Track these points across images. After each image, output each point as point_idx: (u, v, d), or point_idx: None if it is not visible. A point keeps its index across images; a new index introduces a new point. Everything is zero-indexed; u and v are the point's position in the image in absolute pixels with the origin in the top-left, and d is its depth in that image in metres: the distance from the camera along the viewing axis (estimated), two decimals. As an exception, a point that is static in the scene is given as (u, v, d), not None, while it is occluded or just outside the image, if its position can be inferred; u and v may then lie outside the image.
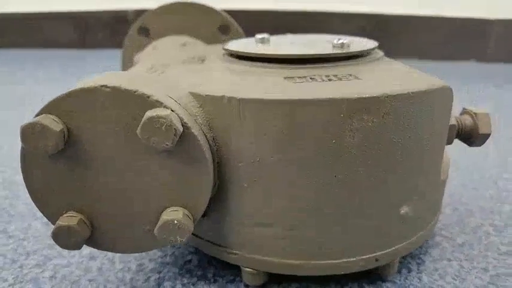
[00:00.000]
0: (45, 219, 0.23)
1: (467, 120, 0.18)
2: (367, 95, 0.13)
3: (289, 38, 0.23)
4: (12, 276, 0.19)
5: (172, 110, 0.13)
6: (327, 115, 0.13)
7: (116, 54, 0.35)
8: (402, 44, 0.75)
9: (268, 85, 0.15)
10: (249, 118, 0.14)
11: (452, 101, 0.16)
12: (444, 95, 0.15)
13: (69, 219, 0.14)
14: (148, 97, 0.13)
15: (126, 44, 0.33)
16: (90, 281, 0.18)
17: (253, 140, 0.14)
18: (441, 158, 0.17)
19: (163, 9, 0.31)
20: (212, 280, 0.18)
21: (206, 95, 0.14)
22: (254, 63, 0.17)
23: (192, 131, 0.13)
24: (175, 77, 0.17)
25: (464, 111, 0.19)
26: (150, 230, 0.15)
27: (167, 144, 0.12)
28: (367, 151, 0.14)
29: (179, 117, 0.13)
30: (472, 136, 0.18)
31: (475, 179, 0.28)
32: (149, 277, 0.19)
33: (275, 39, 0.22)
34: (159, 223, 0.14)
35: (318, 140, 0.13)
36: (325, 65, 0.17)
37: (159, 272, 0.19)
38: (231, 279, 0.18)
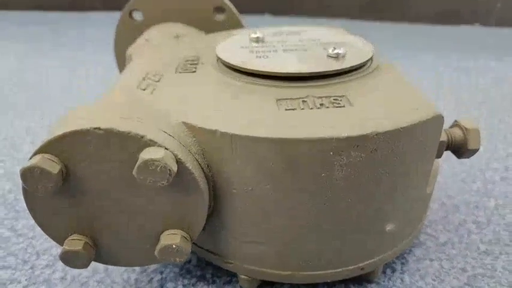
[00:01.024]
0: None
1: (458, 134, 0.18)
2: (356, 134, 0.13)
3: (283, 36, 0.22)
4: (25, 278, 0.20)
5: (166, 148, 0.13)
6: (316, 153, 0.14)
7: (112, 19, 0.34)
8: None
9: (260, 115, 0.15)
10: (241, 151, 0.14)
11: (442, 126, 0.16)
12: (435, 124, 0.15)
13: (75, 243, 0.15)
14: (142, 137, 0.13)
15: (119, 28, 0.32)
16: (98, 282, 0.20)
17: (245, 171, 0.14)
18: (429, 175, 0.17)
19: None
20: (211, 281, 0.20)
21: (199, 127, 0.14)
22: (247, 78, 0.17)
23: (187, 165, 0.14)
24: (168, 98, 0.17)
25: (455, 124, 0.19)
26: (151, 248, 0.16)
27: (163, 183, 0.13)
28: (355, 182, 0.14)
29: (173, 154, 0.13)
30: (460, 150, 0.18)
31: (464, 169, 0.29)
32: (152, 278, 0.20)
33: (270, 38, 0.22)
34: (159, 247, 0.15)
35: (307, 174, 0.14)
36: (318, 83, 0.17)
37: (161, 273, 0.20)
38: (228, 280, 0.20)
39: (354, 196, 0.15)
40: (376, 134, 0.13)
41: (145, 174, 0.13)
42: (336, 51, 0.18)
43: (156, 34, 0.26)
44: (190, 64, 0.21)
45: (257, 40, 0.22)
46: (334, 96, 0.16)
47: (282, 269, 0.17)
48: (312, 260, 0.17)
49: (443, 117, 0.16)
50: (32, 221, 0.24)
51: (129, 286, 0.20)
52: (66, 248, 0.15)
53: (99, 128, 0.13)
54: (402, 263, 0.21)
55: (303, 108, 0.15)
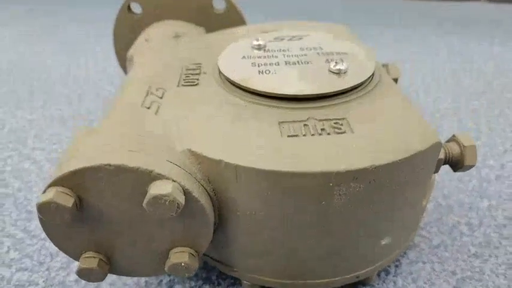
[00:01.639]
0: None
1: (455, 150, 0.19)
2: (355, 168, 0.14)
3: (285, 43, 0.22)
4: (43, 280, 0.22)
5: (173, 180, 0.14)
6: (316, 184, 0.14)
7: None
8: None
9: (264, 144, 0.15)
10: (245, 180, 0.15)
11: (440, 150, 0.17)
12: (434, 150, 0.16)
13: (90, 261, 0.16)
14: (150, 172, 0.14)
15: (117, 22, 0.31)
16: (110, 284, 0.21)
17: (248, 198, 0.15)
18: (425, 193, 0.18)
19: None
20: (216, 283, 0.21)
21: (204, 156, 0.15)
22: (250, 96, 0.18)
23: (194, 194, 0.14)
24: (172, 121, 0.17)
25: (453, 139, 0.19)
26: (161, 263, 0.17)
27: (171, 215, 0.14)
28: (353, 208, 0.15)
29: (180, 185, 0.14)
30: (457, 165, 0.19)
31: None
32: (161, 280, 0.21)
33: (271, 45, 0.22)
34: (168, 264, 0.16)
35: (307, 202, 0.15)
36: (320, 103, 0.17)
37: (170, 275, 0.22)
38: (232, 282, 0.21)
39: (352, 220, 0.16)
40: (374, 168, 0.14)
41: (155, 208, 0.13)
42: (337, 66, 0.18)
43: (156, 34, 0.26)
44: (192, 74, 0.21)
45: (259, 47, 0.22)
46: (335, 119, 0.16)
47: (281, 278, 0.18)
48: (310, 272, 0.18)
49: (441, 143, 0.16)
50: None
51: (139, 288, 0.21)
52: (82, 266, 0.16)
53: (109, 165, 0.13)
54: (396, 266, 0.22)
55: (304, 135, 0.16)
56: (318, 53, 0.21)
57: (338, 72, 0.18)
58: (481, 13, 0.67)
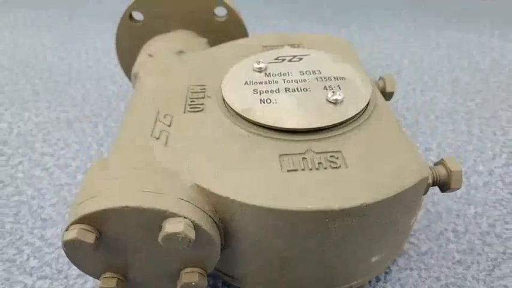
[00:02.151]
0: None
1: (442, 173, 0.20)
2: (348, 206, 0.15)
3: (285, 65, 0.23)
4: (64, 286, 0.24)
5: (185, 217, 0.15)
6: (313, 219, 0.16)
7: None
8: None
9: (266, 180, 0.16)
10: (248, 213, 0.16)
11: (428, 181, 0.18)
12: (423, 183, 0.17)
13: (109, 281, 0.18)
14: (164, 211, 0.15)
15: (120, 30, 0.32)
16: (124, 291, 0.23)
17: (250, 227, 0.17)
18: (414, 216, 0.20)
19: None
20: (221, 290, 0.23)
21: (211, 192, 0.16)
22: (252, 127, 0.19)
23: (203, 227, 0.16)
24: (181, 155, 0.18)
25: (441, 163, 0.20)
26: (173, 281, 0.19)
27: (183, 248, 0.15)
28: (347, 238, 0.17)
29: (191, 220, 0.16)
30: (444, 187, 0.20)
31: (452, 171, 0.31)
32: None
33: (272, 68, 0.23)
34: (180, 284, 0.18)
35: (305, 233, 0.16)
36: (317, 136, 0.18)
37: None
38: (236, 289, 0.23)
39: (345, 246, 0.17)
40: (366, 205, 0.15)
41: (169, 243, 0.15)
42: (334, 97, 0.20)
43: (159, 49, 0.27)
44: (197, 98, 0.22)
45: (260, 70, 0.23)
46: (331, 151, 0.18)
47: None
48: (306, 286, 0.20)
49: (428, 177, 0.18)
50: (59, 230, 0.27)
51: (151, 295, 0.23)
52: (102, 285, 0.18)
53: (127, 207, 0.15)
54: (386, 273, 0.24)
55: (303, 169, 0.17)
56: (316, 78, 0.22)
57: (335, 103, 0.19)
58: (482, 5, 0.66)
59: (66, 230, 0.15)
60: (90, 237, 0.15)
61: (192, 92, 0.22)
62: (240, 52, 0.26)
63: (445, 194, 0.29)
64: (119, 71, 0.46)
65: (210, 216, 0.17)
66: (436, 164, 0.21)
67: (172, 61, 0.26)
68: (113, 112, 0.39)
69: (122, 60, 0.34)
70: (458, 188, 0.20)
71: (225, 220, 0.17)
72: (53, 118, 0.39)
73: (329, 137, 0.18)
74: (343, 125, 0.19)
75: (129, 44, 0.32)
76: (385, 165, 0.17)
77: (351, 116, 0.19)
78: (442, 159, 0.21)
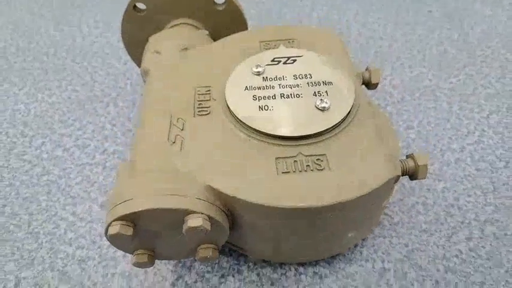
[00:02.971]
0: (100, 202, 0.32)
1: (411, 166, 0.24)
2: (330, 203, 0.19)
3: (280, 67, 0.26)
4: (97, 255, 0.29)
5: (202, 213, 0.20)
6: (302, 213, 0.20)
7: None
8: None
9: (264, 180, 0.20)
10: (249, 207, 0.20)
11: (398, 178, 0.22)
12: (394, 180, 0.21)
13: (141, 256, 0.22)
14: (186, 210, 0.19)
15: (124, 21, 0.34)
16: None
17: (251, 216, 0.21)
18: (387, 200, 0.24)
19: None
20: (229, 254, 0.28)
21: (221, 192, 0.20)
22: (252, 132, 0.22)
23: (216, 219, 0.20)
24: (195, 159, 0.22)
25: (411, 156, 0.24)
26: (192, 253, 0.23)
27: (201, 235, 0.20)
28: (330, 225, 0.21)
29: (207, 215, 0.20)
30: (411, 177, 0.24)
31: (429, 149, 0.35)
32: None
33: (269, 71, 0.26)
34: (197, 257, 0.23)
35: (295, 223, 0.21)
36: (307, 141, 0.22)
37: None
38: (241, 254, 0.28)
39: (328, 230, 0.22)
40: (346, 201, 0.20)
41: (190, 234, 0.19)
42: (322, 104, 0.23)
43: (165, 46, 0.29)
44: (204, 101, 0.25)
45: (258, 74, 0.25)
46: (317, 155, 0.21)
47: (276, 258, 0.25)
48: (296, 255, 0.25)
49: (399, 176, 0.22)
50: (87, 206, 0.32)
51: (173, 262, 0.28)
52: (136, 260, 0.22)
53: (158, 208, 0.19)
54: (363, 239, 0.29)
55: (294, 171, 0.21)
56: (307, 83, 0.25)
57: (322, 110, 0.23)
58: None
59: (109, 225, 0.20)
60: (128, 231, 0.19)
61: (199, 94, 0.25)
62: (240, 49, 0.28)
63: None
64: (121, 46, 0.48)
65: (220, 209, 0.21)
66: (407, 157, 0.25)
67: (178, 59, 0.28)
68: (121, 91, 0.42)
69: (130, 49, 0.36)
70: (424, 178, 0.25)
71: (231, 210, 0.21)
72: (65, 98, 0.41)
73: (316, 142, 0.22)
74: (328, 130, 0.22)
75: (135, 34, 0.34)
76: (361, 167, 0.21)
77: (335, 123, 0.22)
78: (412, 154, 0.25)
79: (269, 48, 0.29)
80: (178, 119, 0.24)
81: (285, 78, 0.25)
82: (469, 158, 0.34)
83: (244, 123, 0.23)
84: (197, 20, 0.34)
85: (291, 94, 0.24)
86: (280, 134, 0.22)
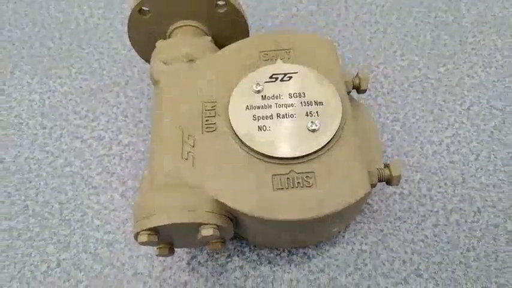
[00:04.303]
0: (121, 191, 0.37)
1: (386, 174, 0.28)
2: (315, 216, 0.24)
3: (278, 85, 0.29)
4: (123, 239, 0.34)
5: (212, 223, 0.24)
6: (292, 224, 0.25)
7: None
8: None
9: (262, 195, 0.25)
10: (249, 218, 0.25)
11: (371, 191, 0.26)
12: (368, 194, 0.26)
13: (163, 250, 0.27)
14: (200, 224, 0.24)
15: (130, 23, 0.35)
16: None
17: (251, 221, 0.26)
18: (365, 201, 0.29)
19: None
20: (236, 239, 0.34)
21: (226, 205, 0.25)
22: (252, 151, 0.26)
23: (223, 226, 0.25)
24: (205, 174, 0.26)
25: (387, 166, 0.28)
26: (203, 245, 0.29)
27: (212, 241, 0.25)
28: (316, 228, 0.26)
29: (216, 225, 0.25)
30: (386, 183, 0.29)
31: (410, 142, 0.39)
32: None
33: (268, 89, 0.29)
34: (209, 248, 0.28)
35: (287, 228, 0.26)
36: (298, 160, 0.26)
37: (202, 234, 0.34)
38: (245, 241, 0.34)
39: (316, 231, 0.27)
40: (326, 215, 0.24)
41: (203, 241, 0.24)
42: (313, 127, 0.26)
43: (172, 57, 0.31)
44: (210, 117, 0.28)
45: (258, 92, 0.29)
46: (307, 172, 0.26)
47: (271, 245, 0.31)
48: (288, 244, 0.30)
49: (376, 184, 0.26)
50: (109, 195, 0.37)
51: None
52: (159, 252, 0.28)
53: (174, 224, 0.24)
54: (346, 226, 0.34)
55: (287, 188, 0.25)
56: (301, 103, 0.28)
57: (313, 131, 0.26)
58: None
59: (138, 233, 0.24)
60: (154, 238, 0.24)
61: (206, 110, 0.29)
62: (241, 62, 0.31)
63: (401, 161, 0.38)
64: (124, 30, 0.49)
65: (226, 216, 0.26)
66: (385, 166, 0.29)
67: (185, 72, 0.31)
68: (129, 80, 0.44)
69: (139, 52, 0.38)
70: (397, 185, 0.29)
71: (235, 215, 0.26)
72: (76, 87, 0.44)
73: (306, 160, 0.26)
74: (317, 150, 0.26)
75: (141, 37, 0.36)
76: (342, 184, 0.25)
77: (323, 145, 0.26)
78: (389, 164, 0.29)
79: (268, 59, 0.31)
80: (189, 136, 0.28)
81: (281, 97, 0.28)
82: (446, 150, 0.39)
83: (245, 144, 0.26)
84: (200, 22, 0.36)
85: (285, 114, 0.27)
86: (276, 155, 0.26)
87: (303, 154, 0.26)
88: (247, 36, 0.38)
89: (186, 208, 0.24)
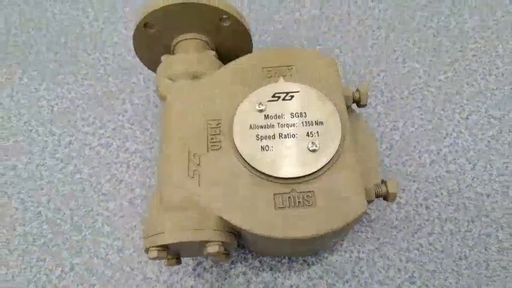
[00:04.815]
0: (129, 198, 0.38)
1: (383, 191, 0.29)
2: (314, 234, 0.26)
3: (280, 105, 0.30)
4: (132, 245, 0.36)
5: (217, 240, 0.26)
6: (291, 241, 0.26)
7: None
8: None
9: (264, 214, 0.26)
10: (251, 234, 0.26)
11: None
12: (364, 214, 0.27)
13: (171, 261, 0.29)
14: (207, 241, 0.26)
15: (135, 37, 0.36)
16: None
17: (252, 238, 0.27)
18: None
19: (165, 8, 0.33)
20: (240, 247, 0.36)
21: (230, 222, 0.26)
22: (255, 170, 0.28)
23: (228, 242, 0.27)
24: (210, 193, 0.27)
25: (384, 183, 0.30)
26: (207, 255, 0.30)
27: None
28: (314, 243, 0.28)
29: (221, 241, 0.26)
30: (383, 199, 0.30)
31: (408, 151, 0.40)
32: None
33: (270, 109, 0.30)
34: (214, 259, 0.30)
35: (287, 244, 0.27)
36: (299, 180, 0.27)
37: (207, 241, 0.36)
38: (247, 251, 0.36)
39: (315, 245, 0.28)
40: (326, 233, 0.26)
41: (210, 255, 0.26)
42: (313, 147, 0.28)
43: (178, 73, 0.32)
44: (215, 135, 0.30)
45: (261, 111, 0.30)
46: (307, 192, 0.27)
47: (272, 255, 0.33)
48: (289, 255, 0.32)
49: (373, 200, 0.27)
50: (118, 202, 0.38)
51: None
52: (168, 263, 0.29)
53: (182, 242, 0.25)
54: (345, 234, 0.36)
55: (288, 206, 0.27)
56: (302, 123, 0.29)
57: (313, 151, 0.28)
58: None
59: (148, 249, 0.26)
60: (163, 254, 0.26)
61: (211, 128, 0.30)
62: (245, 79, 0.32)
63: (399, 170, 0.39)
64: (128, 34, 0.50)
65: (231, 232, 0.27)
66: (382, 182, 0.30)
67: (190, 90, 0.32)
68: (135, 87, 0.45)
69: (144, 62, 0.39)
70: (393, 202, 0.30)
71: (238, 231, 0.28)
72: (83, 93, 0.45)
73: (307, 180, 0.27)
74: (316, 171, 0.27)
75: (147, 47, 0.37)
76: (340, 204, 0.27)
77: (323, 165, 0.27)
78: (386, 182, 0.30)
79: (270, 76, 0.32)
80: (194, 154, 0.29)
81: (283, 117, 0.29)
82: (443, 160, 0.40)
83: (249, 163, 0.28)
84: (204, 34, 0.36)
85: (287, 134, 0.29)
86: (278, 176, 0.27)
87: (303, 175, 0.27)
88: (250, 46, 0.39)
89: (192, 227, 0.26)
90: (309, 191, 0.27)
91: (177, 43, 0.36)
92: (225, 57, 0.38)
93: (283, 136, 0.29)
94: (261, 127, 0.29)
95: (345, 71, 0.46)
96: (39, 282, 0.35)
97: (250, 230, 0.26)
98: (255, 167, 0.27)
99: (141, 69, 0.47)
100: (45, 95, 0.45)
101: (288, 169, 0.27)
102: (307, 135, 0.28)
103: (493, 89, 0.44)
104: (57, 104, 0.44)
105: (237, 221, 0.26)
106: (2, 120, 0.43)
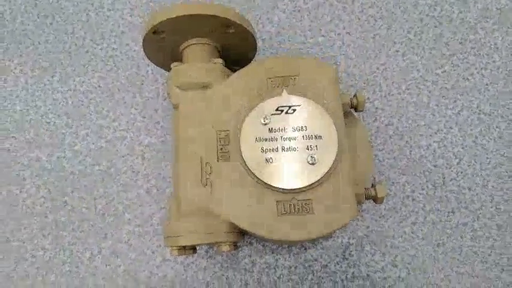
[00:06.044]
0: (146, 188, 0.43)
1: (372, 194, 0.33)
2: (310, 238, 0.30)
3: (283, 118, 0.33)
4: (152, 231, 0.41)
5: (229, 241, 0.30)
6: (292, 242, 0.31)
7: None
8: None
9: (268, 219, 0.30)
10: (257, 235, 0.31)
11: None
12: (355, 219, 0.31)
13: (189, 251, 0.34)
14: (220, 243, 0.30)
15: (145, 43, 0.38)
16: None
17: (258, 237, 0.32)
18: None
19: (173, 19, 0.35)
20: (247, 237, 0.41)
21: (238, 226, 0.31)
22: (260, 181, 0.31)
23: (238, 243, 0.31)
24: (221, 200, 0.31)
25: (374, 187, 0.33)
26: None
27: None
28: (310, 240, 0.32)
29: (232, 241, 0.31)
30: (373, 201, 0.34)
31: (401, 145, 0.43)
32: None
33: (274, 122, 0.33)
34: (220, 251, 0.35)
35: (282, 241, 0.32)
36: (299, 190, 0.31)
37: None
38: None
39: (313, 241, 0.33)
40: (322, 235, 0.30)
41: (223, 252, 0.31)
42: (312, 161, 0.31)
43: (187, 83, 0.35)
44: (224, 145, 0.33)
45: (265, 124, 0.33)
46: (306, 200, 0.31)
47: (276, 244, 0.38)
48: (288, 245, 0.37)
49: (363, 202, 0.32)
50: (136, 193, 0.42)
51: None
52: (185, 253, 0.34)
53: (199, 244, 0.30)
54: (338, 223, 0.41)
55: (290, 213, 0.31)
56: (303, 136, 0.32)
57: (312, 164, 0.31)
58: None
59: (171, 247, 0.31)
60: (183, 252, 0.31)
61: (220, 138, 0.33)
62: (251, 89, 0.34)
63: (390, 165, 0.43)
64: (135, 22, 0.50)
65: (237, 232, 0.32)
66: (372, 186, 0.34)
67: (200, 99, 0.34)
68: (145, 80, 0.47)
69: (156, 63, 0.41)
70: (381, 204, 0.35)
71: (245, 231, 0.32)
72: (95, 86, 0.47)
73: (306, 190, 0.31)
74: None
75: (157, 51, 0.39)
76: (334, 211, 0.31)
77: (321, 177, 0.31)
78: (375, 186, 0.34)
79: (275, 86, 0.34)
80: (206, 163, 0.32)
81: (286, 130, 0.32)
82: (432, 155, 0.43)
83: (254, 174, 0.31)
84: (212, 39, 0.38)
85: (289, 147, 0.32)
86: (280, 187, 0.31)
87: (303, 186, 0.31)
88: (255, 45, 0.40)
89: (206, 231, 0.30)
90: (307, 199, 0.31)
91: (184, 48, 0.38)
92: (231, 57, 0.40)
93: (285, 149, 0.32)
94: (266, 140, 0.32)
95: (346, 65, 0.47)
96: (73, 263, 0.40)
97: (256, 233, 0.30)
98: (261, 178, 0.31)
99: (148, 61, 0.48)
100: (59, 87, 0.47)
101: (289, 180, 0.31)
102: (307, 148, 0.32)
103: (487, 84, 0.46)
104: (71, 97, 0.47)
105: (245, 225, 0.31)
106: (22, 113, 0.46)
